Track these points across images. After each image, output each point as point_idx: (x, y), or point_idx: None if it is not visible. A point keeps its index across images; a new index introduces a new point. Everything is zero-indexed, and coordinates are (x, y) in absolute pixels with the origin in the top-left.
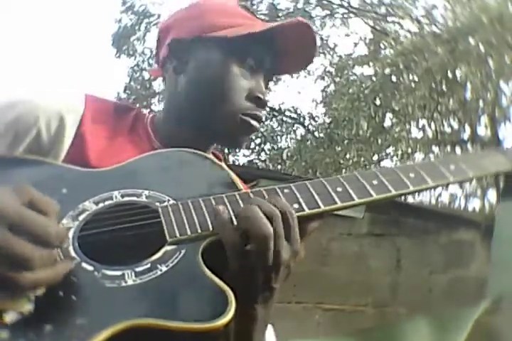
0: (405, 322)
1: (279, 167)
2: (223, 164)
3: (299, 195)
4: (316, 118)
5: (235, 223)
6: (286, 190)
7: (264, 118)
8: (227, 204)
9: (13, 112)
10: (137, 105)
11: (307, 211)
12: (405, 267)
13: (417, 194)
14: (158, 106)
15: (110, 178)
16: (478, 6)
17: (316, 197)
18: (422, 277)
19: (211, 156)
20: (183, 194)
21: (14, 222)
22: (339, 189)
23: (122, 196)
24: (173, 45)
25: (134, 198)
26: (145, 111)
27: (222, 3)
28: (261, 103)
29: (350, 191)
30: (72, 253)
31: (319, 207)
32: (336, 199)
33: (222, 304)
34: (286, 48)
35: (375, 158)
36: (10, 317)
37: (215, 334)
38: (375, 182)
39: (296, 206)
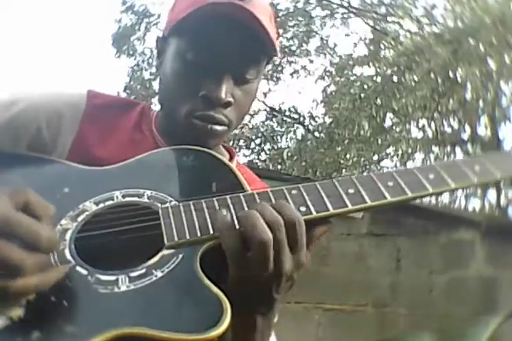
0: (408, 336)
1: (279, 167)
2: (231, 163)
3: (307, 197)
4: (316, 118)
5: (237, 227)
6: (294, 191)
7: (225, 120)
8: (231, 206)
9: (14, 109)
10: None
11: (315, 214)
12: (405, 267)
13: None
14: (158, 106)
15: (113, 177)
16: (480, 7)
17: (326, 199)
18: (422, 277)
19: (217, 154)
20: (186, 194)
21: (2, 227)
22: (351, 190)
23: (124, 196)
24: (156, 43)
25: (136, 198)
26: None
27: None
28: (210, 102)
29: (363, 193)
30: (68, 256)
31: (328, 210)
32: (347, 202)
33: (217, 314)
34: (228, 38)
35: (375, 157)
36: None
37: None
38: (390, 183)
39: (303, 209)
